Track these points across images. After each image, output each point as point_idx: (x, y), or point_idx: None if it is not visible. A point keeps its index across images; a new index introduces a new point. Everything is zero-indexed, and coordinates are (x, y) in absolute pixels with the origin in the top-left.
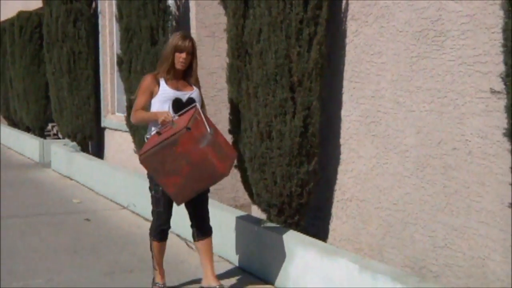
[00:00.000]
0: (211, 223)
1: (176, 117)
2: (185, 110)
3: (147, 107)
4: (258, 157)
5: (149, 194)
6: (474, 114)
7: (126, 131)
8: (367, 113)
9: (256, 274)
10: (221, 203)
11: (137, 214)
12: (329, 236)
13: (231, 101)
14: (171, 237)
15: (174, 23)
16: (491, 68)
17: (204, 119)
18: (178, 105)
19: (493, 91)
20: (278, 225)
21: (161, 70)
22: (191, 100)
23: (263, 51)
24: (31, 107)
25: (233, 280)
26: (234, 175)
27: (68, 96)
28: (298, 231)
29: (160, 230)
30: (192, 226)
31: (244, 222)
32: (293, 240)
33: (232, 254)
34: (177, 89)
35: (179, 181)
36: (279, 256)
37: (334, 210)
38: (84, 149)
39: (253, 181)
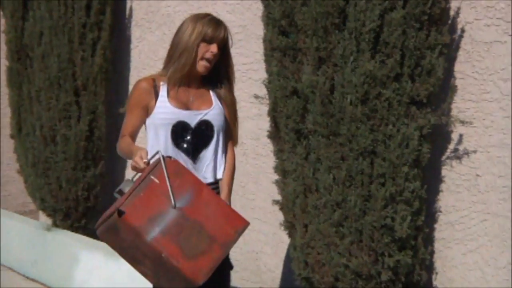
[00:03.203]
0: None
1: (153, 160)
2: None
3: (137, 130)
4: (42, 161)
5: None
6: (248, 118)
7: None
8: None
9: (41, 281)
10: (7, 210)
11: None
12: None
13: (11, 105)
14: None
15: None
16: (262, 75)
17: (167, 179)
18: (181, 132)
19: (256, 97)
20: (64, 230)
21: (172, 70)
22: (205, 125)
23: (45, 55)
24: None
25: None
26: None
27: None
28: (86, 234)
29: None
30: None
31: (31, 229)
32: (78, 243)
33: (18, 262)
34: (184, 106)
35: (148, 274)
36: (65, 261)
37: None
38: None
39: (37, 186)
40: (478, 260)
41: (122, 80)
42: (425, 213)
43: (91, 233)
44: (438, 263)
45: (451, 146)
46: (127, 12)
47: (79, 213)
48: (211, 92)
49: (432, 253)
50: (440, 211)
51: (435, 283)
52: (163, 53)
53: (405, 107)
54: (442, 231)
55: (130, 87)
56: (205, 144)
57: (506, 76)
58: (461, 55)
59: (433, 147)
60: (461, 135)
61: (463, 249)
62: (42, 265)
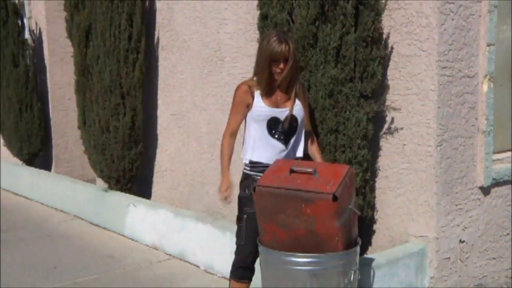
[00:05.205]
0: (65, 193)
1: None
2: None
3: (239, 126)
4: (100, 144)
5: None
6: None
7: None
8: (175, 112)
9: (103, 226)
10: (73, 178)
11: None
12: (152, 196)
13: (78, 106)
14: None
15: (31, 52)
16: None
17: (354, 186)
18: (275, 125)
19: None
20: (116, 191)
21: (259, 85)
22: (291, 119)
23: (101, 71)
24: None
25: (86, 232)
26: (83, 158)
27: None
28: (131, 194)
29: (238, 267)
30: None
31: (93, 190)
32: (127, 200)
33: (85, 213)
34: (275, 105)
35: (282, 237)
36: (117, 211)
37: (155, 179)
38: None
39: (97, 161)
40: (404, 201)
41: (153, 87)
42: (371, 171)
43: (135, 193)
44: (378, 204)
45: (386, 125)
46: (156, 40)
47: (126, 179)
48: (292, 92)
49: (374, 197)
50: (380, 169)
51: (376, 217)
52: (181, 67)
53: (357, 99)
54: (381, 182)
55: (159, 92)
56: (292, 132)
57: (421, 78)
58: (392, 64)
59: (375, 126)
60: (392, 118)
61: (395, 194)
62: (102, 215)
